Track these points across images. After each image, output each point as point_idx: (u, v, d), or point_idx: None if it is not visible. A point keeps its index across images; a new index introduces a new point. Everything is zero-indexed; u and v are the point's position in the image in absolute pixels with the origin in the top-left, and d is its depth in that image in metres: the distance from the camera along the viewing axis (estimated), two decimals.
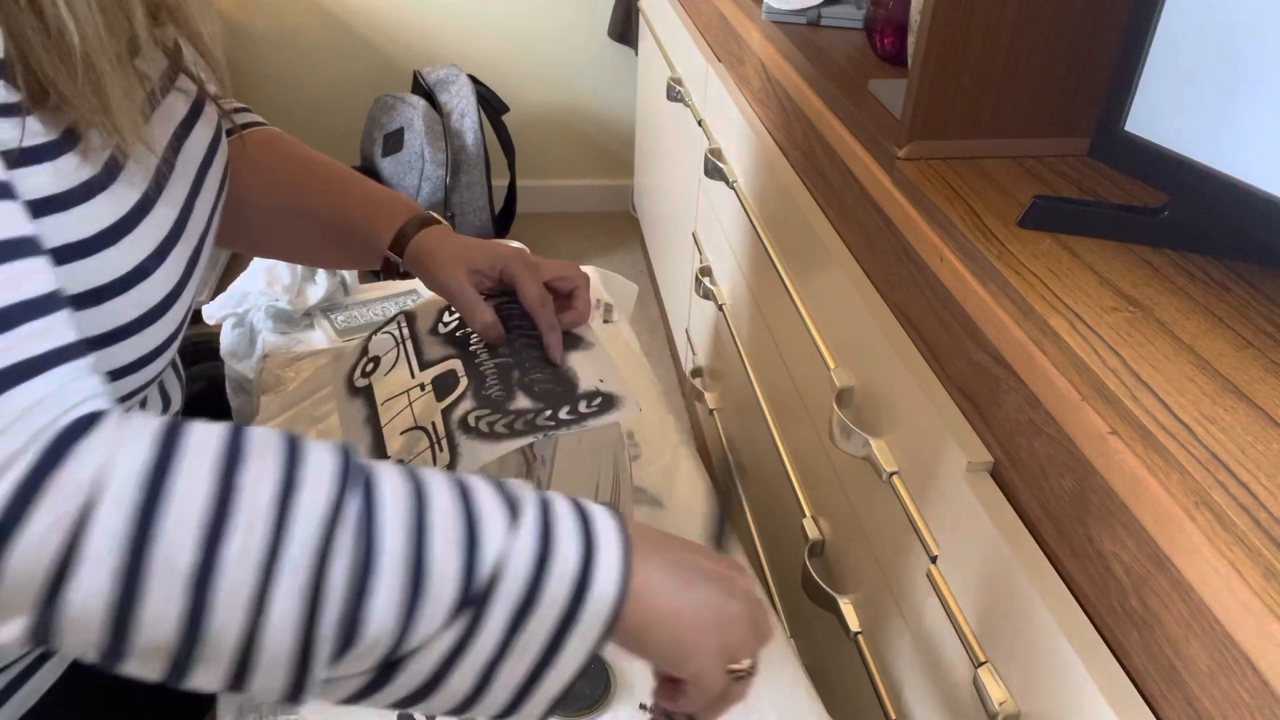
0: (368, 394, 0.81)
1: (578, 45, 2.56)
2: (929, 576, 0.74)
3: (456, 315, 0.84)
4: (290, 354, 1.10)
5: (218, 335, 1.16)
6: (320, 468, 0.43)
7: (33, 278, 0.41)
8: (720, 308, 1.45)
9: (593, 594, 0.46)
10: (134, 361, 0.53)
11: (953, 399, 0.76)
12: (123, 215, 0.50)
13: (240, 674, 0.42)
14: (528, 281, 0.77)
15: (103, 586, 0.39)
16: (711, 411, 1.58)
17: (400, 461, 0.64)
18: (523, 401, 0.73)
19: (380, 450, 0.76)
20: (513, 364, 0.76)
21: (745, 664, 0.52)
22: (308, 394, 0.99)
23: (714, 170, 1.39)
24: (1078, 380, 0.59)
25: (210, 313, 1.16)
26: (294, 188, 0.79)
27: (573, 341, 0.80)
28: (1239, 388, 0.55)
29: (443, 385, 0.76)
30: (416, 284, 1.23)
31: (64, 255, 0.47)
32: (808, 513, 1.08)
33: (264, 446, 0.43)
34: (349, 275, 1.21)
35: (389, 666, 0.44)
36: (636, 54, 2.45)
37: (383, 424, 0.78)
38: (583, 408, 0.73)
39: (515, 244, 0.84)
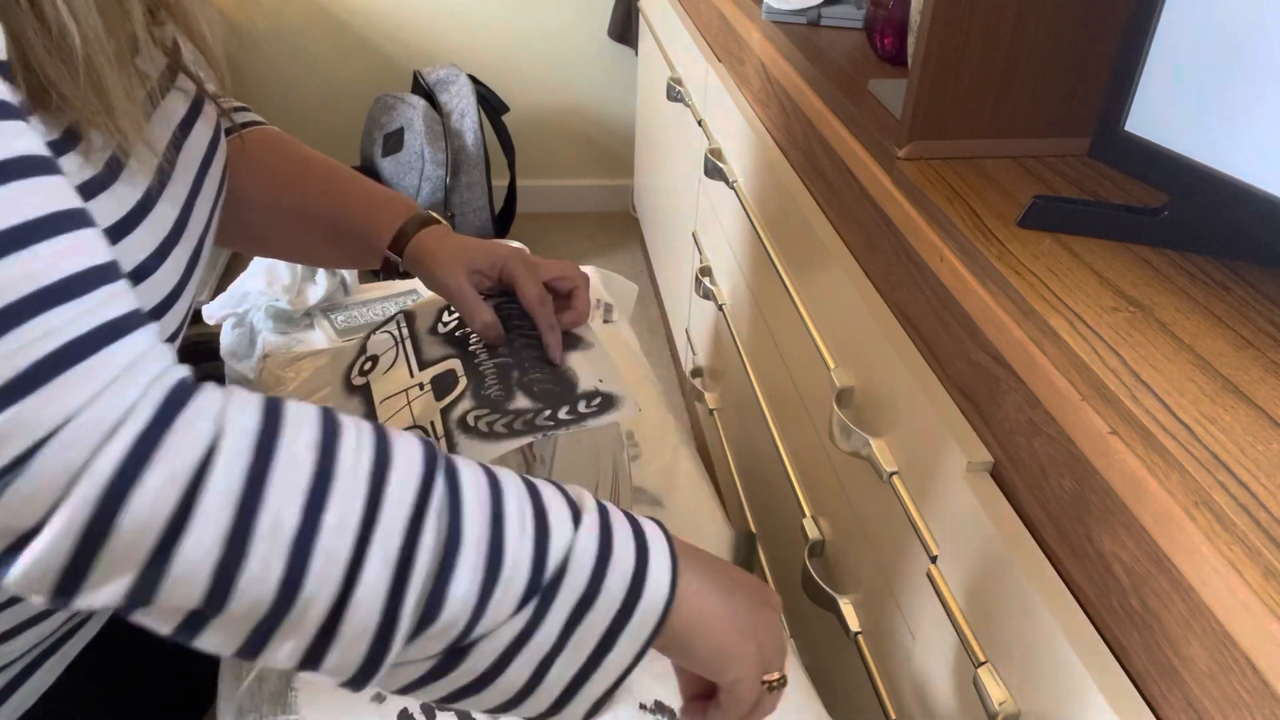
0: (365, 392, 0.81)
1: (578, 45, 2.56)
2: (929, 576, 0.74)
3: (456, 315, 0.84)
4: (290, 354, 1.10)
5: (218, 335, 1.16)
6: (409, 447, 0.45)
7: (99, 245, 0.42)
8: (720, 308, 1.45)
9: (646, 595, 0.47)
10: None
11: (953, 399, 0.76)
12: (124, 215, 0.50)
13: (321, 646, 0.42)
14: (527, 281, 0.77)
15: (212, 546, 0.39)
16: (711, 411, 1.58)
17: None
18: (522, 401, 0.73)
19: None
20: (512, 364, 0.76)
21: (776, 675, 0.54)
22: (308, 394, 0.99)
23: (714, 170, 1.39)
24: (1078, 380, 0.59)
25: (210, 313, 1.16)
26: (293, 187, 0.79)
27: (572, 341, 0.80)
28: (1239, 388, 0.55)
29: (442, 385, 0.76)
30: (416, 284, 1.23)
31: None
32: (808, 513, 1.08)
33: (355, 424, 0.45)
34: (349, 275, 1.21)
35: (455, 653, 0.45)
36: (636, 54, 2.45)
37: (380, 422, 0.77)
38: (582, 408, 0.73)
39: (515, 244, 0.84)
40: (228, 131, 0.69)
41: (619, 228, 2.69)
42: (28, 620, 0.59)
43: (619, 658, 0.47)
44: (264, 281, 1.14)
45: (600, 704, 0.48)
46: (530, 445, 0.72)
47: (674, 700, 0.72)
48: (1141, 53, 0.66)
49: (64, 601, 0.40)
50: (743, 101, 1.37)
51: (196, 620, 0.41)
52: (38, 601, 0.40)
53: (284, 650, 0.42)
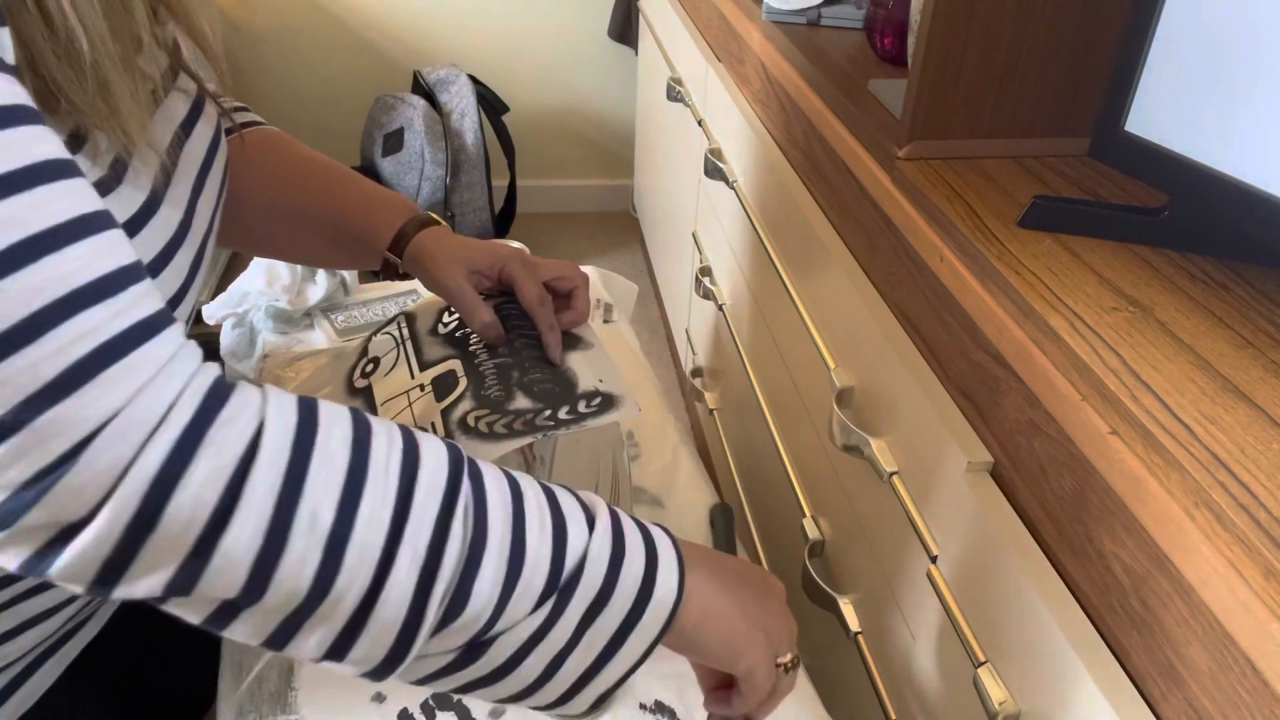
0: (367, 394, 0.81)
1: (578, 45, 2.56)
2: (929, 576, 0.74)
3: (456, 315, 0.84)
4: (290, 354, 1.10)
5: (218, 335, 1.16)
6: (436, 447, 0.47)
7: (124, 245, 0.42)
8: (720, 308, 1.45)
9: (656, 595, 0.50)
10: None
11: (953, 399, 0.76)
12: (130, 217, 0.50)
13: (349, 637, 0.43)
14: (527, 281, 0.77)
15: (253, 539, 0.40)
16: (711, 411, 1.58)
17: None
18: (522, 401, 0.73)
19: None
20: (512, 364, 0.76)
21: (789, 657, 0.57)
22: (308, 394, 0.99)
23: (714, 170, 1.39)
24: (1078, 380, 0.59)
25: (210, 313, 1.16)
26: (293, 188, 0.79)
27: (572, 341, 0.80)
28: (1239, 388, 0.55)
29: (442, 385, 0.76)
30: (416, 284, 1.23)
31: None
32: (808, 513, 1.08)
33: (383, 424, 0.46)
34: (349, 275, 1.21)
35: (474, 647, 0.46)
36: (636, 54, 2.45)
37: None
38: (582, 408, 0.73)
39: (515, 244, 0.84)
40: (228, 131, 0.69)
41: (619, 228, 2.70)
42: (29, 620, 0.59)
43: (628, 654, 0.49)
44: (264, 281, 1.14)
45: (605, 696, 0.50)
46: (530, 445, 0.72)
47: (674, 700, 0.73)
48: (1141, 53, 0.66)
49: (102, 592, 0.41)
50: (743, 101, 1.37)
51: (229, 610, 0.42)
52: (74, 590, 0.41)
53: (312, 641, 0.43)
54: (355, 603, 0.43)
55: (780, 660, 0.56)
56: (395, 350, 0.84)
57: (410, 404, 0.77)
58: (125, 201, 0.50)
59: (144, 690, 0.76)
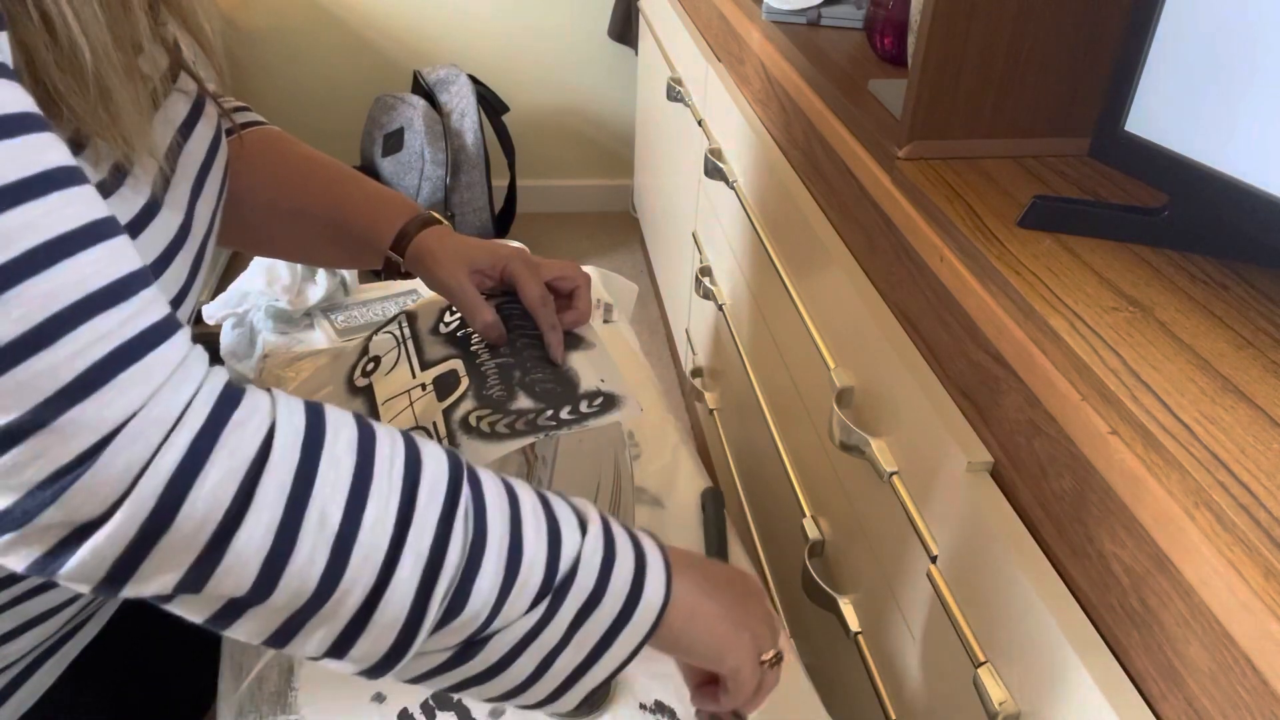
0: (368, 394, 0.81)
1: (577, 45, 2.56)
2: (929, 576, 0.74)
3: (457, 315, 0.84)
4: (290, 354, 1.10)
5: (218, 335, 1.16)
6: (436, 452, 0.48)
7: (132, 251, 0.43)
8: (720, 308, 1.45)
9: (644, 597, 0.51)
10: None
11: (953, 399, 0.76)
12: (130, 220, 0.50)
13: (350, 636, 0.44)
14: (528, 281, 0.77)
15: (264, 539, 0.41)
16: (711, 411, 1.58)
17: None
18: (524, 401, 0.73)
19: None
20: (514, 364, 0.76)
21: (772, 653, 0.58)
22: (308, 394, 0.99)
23: (714, 170, 1.39)
24: (1078, 380, 0.59)
25: (210, 313, 1.16)
26: (294, 187, 0.79)
27: (574, 341, 0.80)
28: (1239, 387, 0.55)
29: (444, 385, 0.76)
30: (417, 284, 1.23)
31: None
32: (808, 513, 1.08)
33: (384, 428, 0.47)
34: (349, 275, 1.21)
35: (470, 645, 0.47)
36: (636, 54, 2.45)
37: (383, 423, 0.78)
38: (584, 407, 0.73)
39: (515, 244, 0.84)
40: (228, 132, 0.69)
41: (619, 228, 2.70)
42: (30, 621, 0.59)
43: (617, 653, 0.51)
44: (264, 281, 1.14)
45: (592, 696, 0.52)
46: (532, 445, 0.72)
47: (674, 700, 0.73)
48: (1141, 53, 0.66)
49: (109, 591, 0.41)
50: (743, 101, 1.37)
51: (235, 608, 0.43)
52: (79, 590, 0.41)
53: (315, 639, 0.44)
54: (359, 602, 0.43)
55: (764, 657, 0.57)
56: (396, 349, 0.84)
57: (411, 403, 0.77)
58: (125, 205, 0.50)
59: (144, 690, 0.76)
